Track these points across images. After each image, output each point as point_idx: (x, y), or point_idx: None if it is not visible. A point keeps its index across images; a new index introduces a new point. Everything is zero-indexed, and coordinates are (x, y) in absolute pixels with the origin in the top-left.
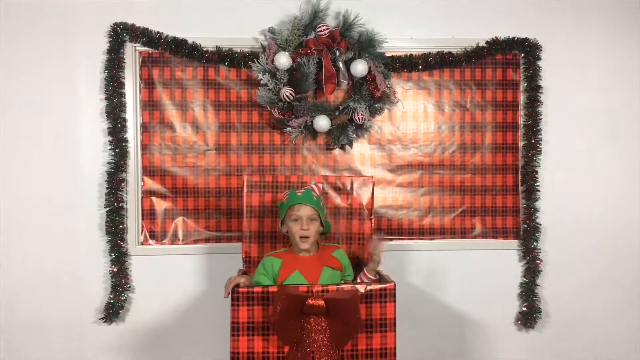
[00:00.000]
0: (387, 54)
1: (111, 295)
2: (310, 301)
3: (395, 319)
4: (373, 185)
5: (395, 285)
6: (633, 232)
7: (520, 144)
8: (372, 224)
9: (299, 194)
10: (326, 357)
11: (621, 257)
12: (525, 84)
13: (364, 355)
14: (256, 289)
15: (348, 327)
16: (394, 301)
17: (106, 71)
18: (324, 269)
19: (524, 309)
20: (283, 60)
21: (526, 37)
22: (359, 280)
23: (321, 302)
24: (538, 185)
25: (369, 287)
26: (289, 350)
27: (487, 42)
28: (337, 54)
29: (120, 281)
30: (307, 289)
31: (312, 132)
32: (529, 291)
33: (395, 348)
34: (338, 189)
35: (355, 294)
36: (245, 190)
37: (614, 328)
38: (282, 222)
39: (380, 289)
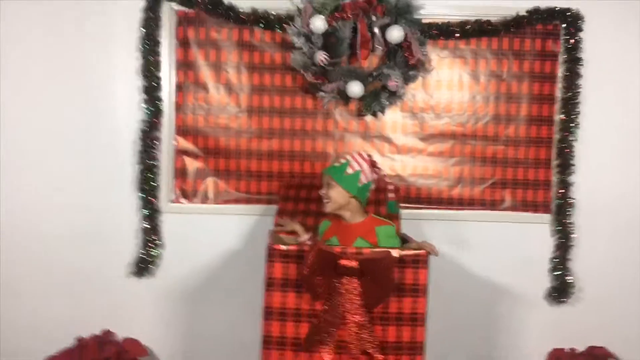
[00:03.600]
0: (425, 21)
1: (142, 250)
2: (343, 261)
3: (427, 285)
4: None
5: (428, 253)
6: None
7: (557, 117)
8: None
9: (336, 164)
10: (357, 315)
11: None
12: (565, 56)
13: (394, 318)
14: (291, 247)
15: (380, 289)
16: (427, 268)
17: (143, 30)
18: (358, 239)
19: (556, 283)
20: (319, 23)
21: (568, 7)
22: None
23: (354, 263)
24: (573, 160)
25: (402, 253)
26: (321, 308)
27: (527, 11)
28: (374, 19)
29: (151, 237)
30: (342, 249)
31: (344, 98)
32: (561, 266)
33: (425, 314)
34: None
35: (389, 255)
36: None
37: None
38: None
39: (414, 255)
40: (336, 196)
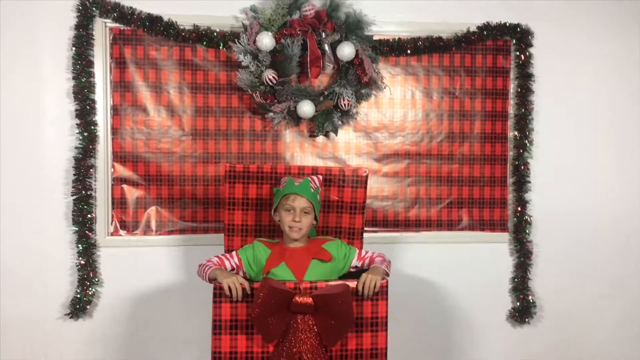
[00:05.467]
0: (375, 38)
1: (78, 289)
2: (297, 299)
3: (387, 317)
4: (367, 177)
5: (387, 282)
6: (624, 225)
7: (510, 134)
8: (364, 218)
9: (297, 183)
10: (314, 357)
11: (611, 250)
12: (516, 72)
13: (353, 355)
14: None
15: (338, 324)
16: (386, 299)
17: (73, 48)
18: (312, 261)
19: (517, 304)
20: (266, 40)
21: (518, 23)
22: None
23: (309, 300)
24: (529, 177)
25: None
26: (273, 349)
27: (478, 27)
28: (323, 35)
29: (87, 274)
30: (295, 285)
31: (295, 118)
32: (522, 286)
33: (386, 348)
34: (328, 181)
35: (346, 288)
36: (227, 181)
37: (602, 321)
38: (275, 210)
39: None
40: (308, 224)
